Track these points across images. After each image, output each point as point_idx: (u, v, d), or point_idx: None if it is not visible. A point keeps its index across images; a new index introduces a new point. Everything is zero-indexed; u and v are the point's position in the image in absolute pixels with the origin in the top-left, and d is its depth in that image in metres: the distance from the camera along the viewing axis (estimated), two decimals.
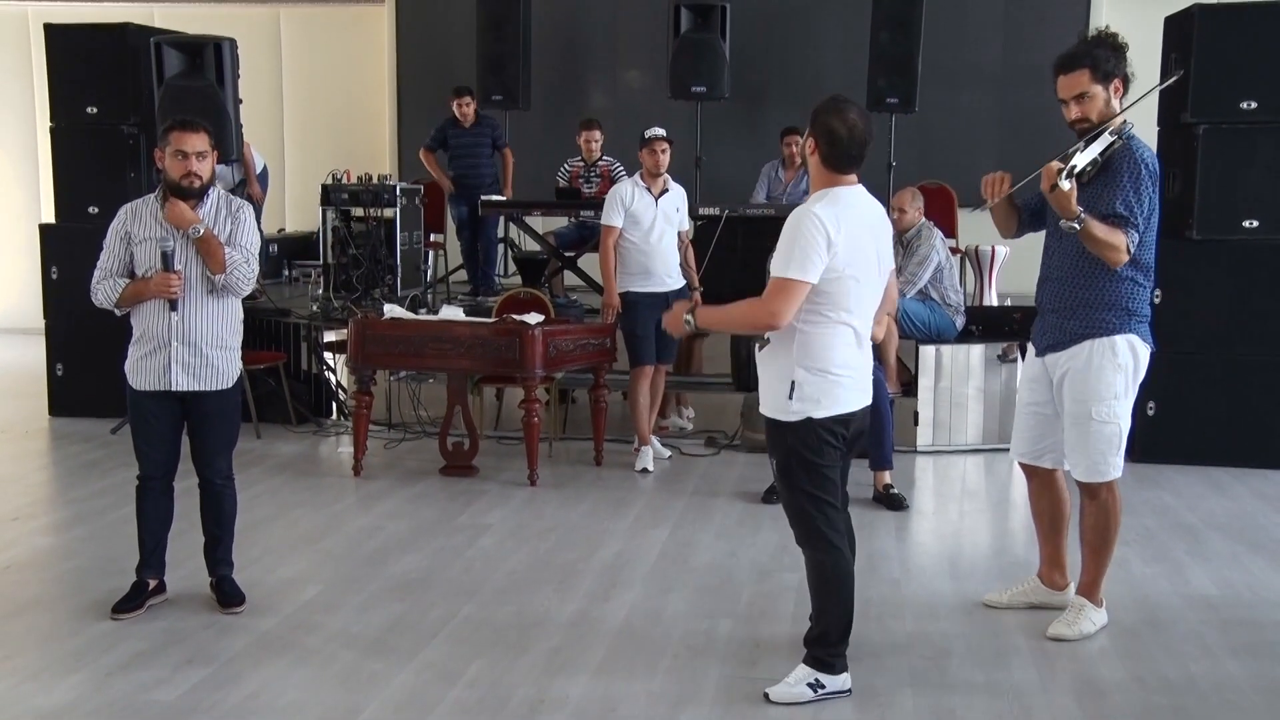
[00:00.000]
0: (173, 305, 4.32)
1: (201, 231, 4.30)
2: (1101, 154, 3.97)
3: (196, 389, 4.39)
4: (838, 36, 10.34)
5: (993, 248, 8.61)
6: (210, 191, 4.41)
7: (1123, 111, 4.05)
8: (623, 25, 10.85)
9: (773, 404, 3.72)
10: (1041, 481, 4.47)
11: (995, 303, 8.58)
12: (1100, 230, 3.91)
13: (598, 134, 8.93)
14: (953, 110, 10.10)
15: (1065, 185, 3.82)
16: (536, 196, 9.37)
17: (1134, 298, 4.09)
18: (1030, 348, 4.42)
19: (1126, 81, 4.05)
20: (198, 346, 4.37)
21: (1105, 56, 4.00)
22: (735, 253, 7.88)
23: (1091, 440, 4.13)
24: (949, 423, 7.23)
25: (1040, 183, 3.93)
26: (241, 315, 4.56)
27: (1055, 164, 3.86)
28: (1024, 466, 4.51)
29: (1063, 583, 4.56)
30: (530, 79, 10.02)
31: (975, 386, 7.22)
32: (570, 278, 9.01)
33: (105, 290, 4.36)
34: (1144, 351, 4.15)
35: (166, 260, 4.29)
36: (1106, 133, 3.97)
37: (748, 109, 10.22)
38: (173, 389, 4.37)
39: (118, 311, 4.42)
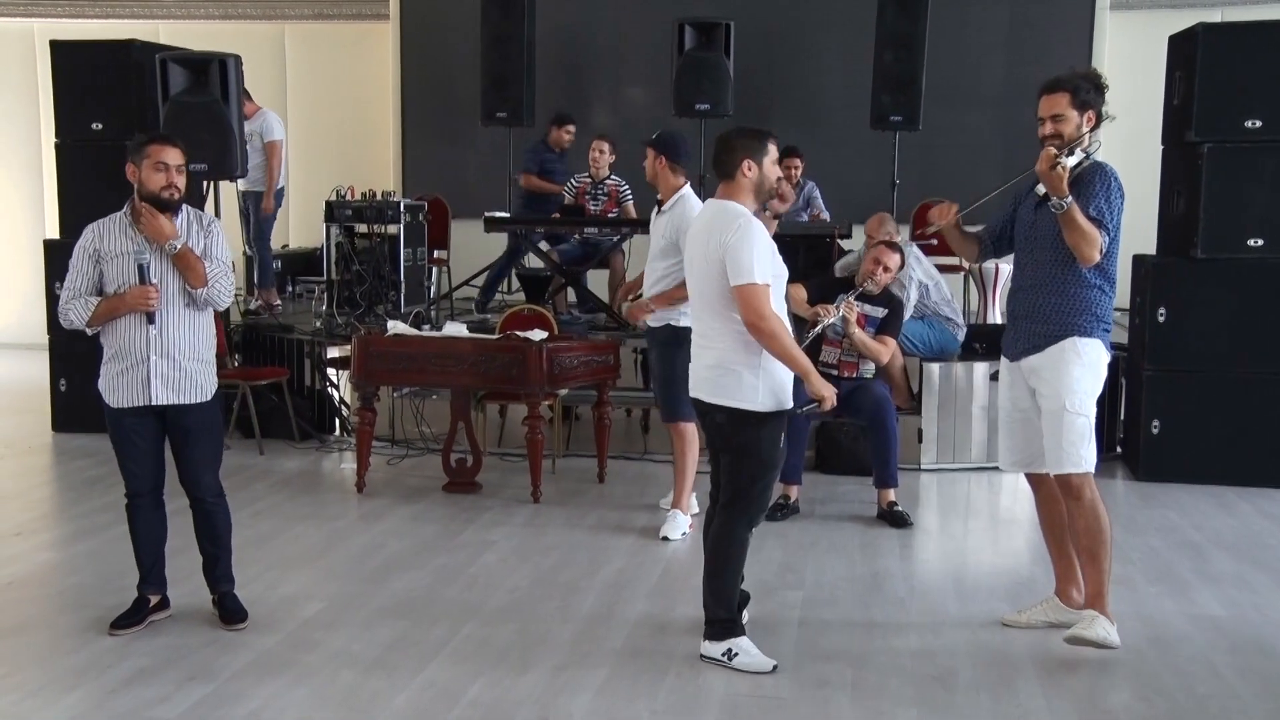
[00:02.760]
0: (150, 318, 4.31)
1: (179, 246, 4.30)
2: (1074, 166, 4.23)
3: (177, 402, 4.38)
4: (841, 55, 10.36)
5: (996, 266, 8.60)
6: (179, 209, 4.41)
7: (1089, 134, 4.32)
8: (627, 43, 10.87)
9: None
10: (1047, 492, 4.52)
11: (999, 321, 8.56)
12: (1082, 218, 4.13)
13: (606, 145, 8.94)
14: (956, 129, 10.10)
15: (1067, 161, 4.10)
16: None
17: (1101, 305, 4.33)
18: (1003, 359, 4.55)
19: (1099, 118, 4.33)
20: (176, 360, 4.36)
21: (1086, 88, 4.31)
22: None
23: (1064, 431, 4.28)
24: (953, 440, 7.21)
25: (1038, 165, 4.15)
26: (214, 329, 4.56)
27: (1051, 148, 4.15)
28: (1028, 478, 4.61)
29: (1079, 599, 4.55)
30: (534, 96, 10.03)
31: (979, 404, 7.20)
32: (574, 294, 9.00)
33: (77, 310, 4.33)
34: (1106, 357, 4.38)
35: (143, 273, 4.29)
36: (1078, 149, 4.25)
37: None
38: (153, 403, 4.36)
39: (89, 331, 4.39)
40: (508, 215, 9.18)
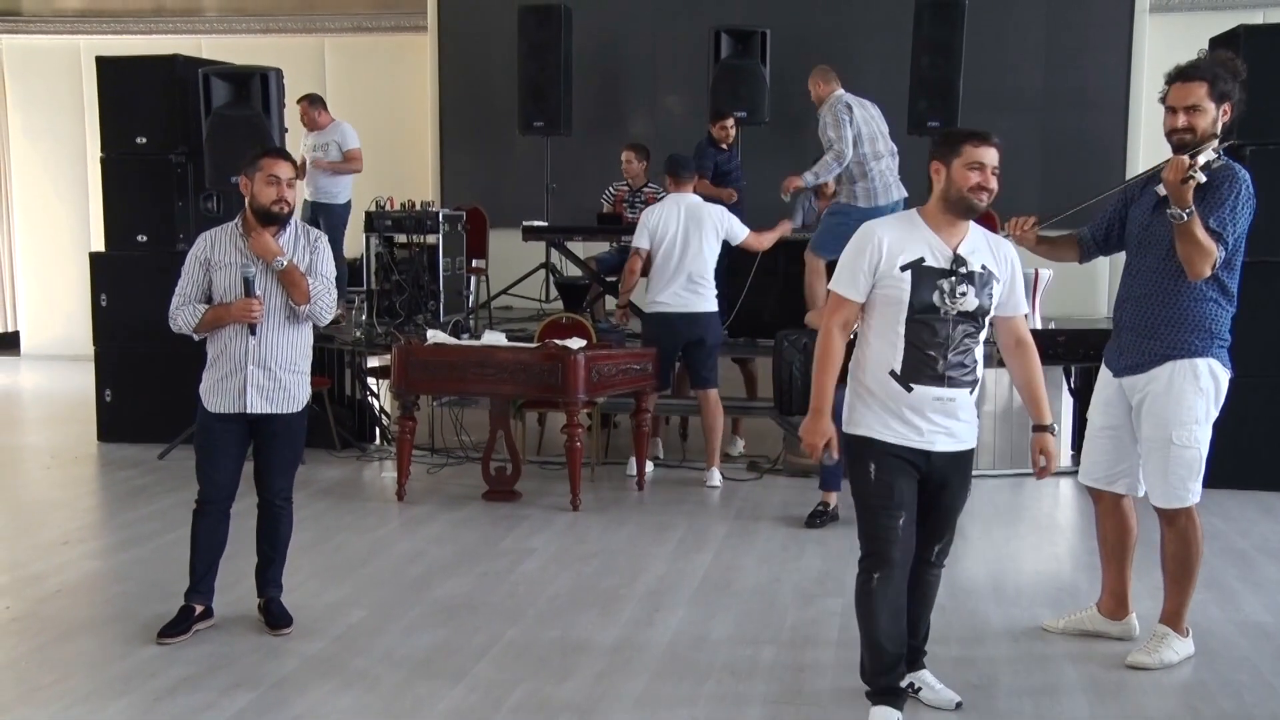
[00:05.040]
0: (252, 330, 4.40)
1: (285, 264, 4.38)
2: (1204, 168, 3.95)
3: (269, 412, 4.46)
4: (879, 61, 10.31)
5: (1035, 271, 8.53)
6: (289, 222, 4.49)
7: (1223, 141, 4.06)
8: (663, 51, 10.90)
9: None
10: (1109, 507, 4.40)
11: (1040, 326, 8.51)
12: (1201, 232, 3.87)
13: (631, 154, 8.93)
14: (995, 132, 10.02)
15: (1201, 178, 3.82)
16: (578, 222, 9.41)
17: (1217, 320, 4.07)
18: (1104, 369, 4.32)
19: (1234, 108, 4.07)
20: (272, 370, 4.44)
21: (1225, 77, 4.02)
22: (776, 276, 7.92)
23: (1170, 465, 4.07)
24: (994, 446, 7.17)
25: (1167, 173, 3.85)
26: (312, 340, 4.63)
27: (1185, 158, 3.84)
28: (1092, 491, 4.44)
29: (1122, 613, 4.49)
30: (571, 105, 10.08)
31: (1020, 410, 7.16)
32: (612, 303, 9.02)
33: (185, 316, 4.43)
34: (1224, 376, 4.12)
35: (249, 286, 4.37)
36: (1210, 149, 3.97)
37: (788, 133, 10.20)
38: (248, 411, 4.44)
39: (195, 336, 4.49)
40: (545, 225, 9.21)
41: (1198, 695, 4.00)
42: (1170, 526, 4.18)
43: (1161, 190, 4.00)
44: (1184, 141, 3.99)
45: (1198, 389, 4.05)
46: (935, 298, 3.53)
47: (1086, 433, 4.44)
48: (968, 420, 3.65)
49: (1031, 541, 6.02)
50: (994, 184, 3.58)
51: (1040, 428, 3.71)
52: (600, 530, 6.05)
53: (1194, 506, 4.15)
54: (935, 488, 3.70)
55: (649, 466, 7.14)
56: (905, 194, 7.46)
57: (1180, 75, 4.06)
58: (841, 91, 7.39)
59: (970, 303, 3.55)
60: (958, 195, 3.57)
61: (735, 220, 7.07)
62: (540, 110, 9.86)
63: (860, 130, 7.26)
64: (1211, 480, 6.63)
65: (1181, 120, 4.00)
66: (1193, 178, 3.79)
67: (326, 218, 9.39)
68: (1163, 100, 4.11)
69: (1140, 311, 4.12)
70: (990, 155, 3.59)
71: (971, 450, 3.72)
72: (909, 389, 3.57)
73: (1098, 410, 4.34)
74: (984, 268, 3.59)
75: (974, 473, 3.78)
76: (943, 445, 3.62)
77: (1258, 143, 6.67)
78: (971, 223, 3.66)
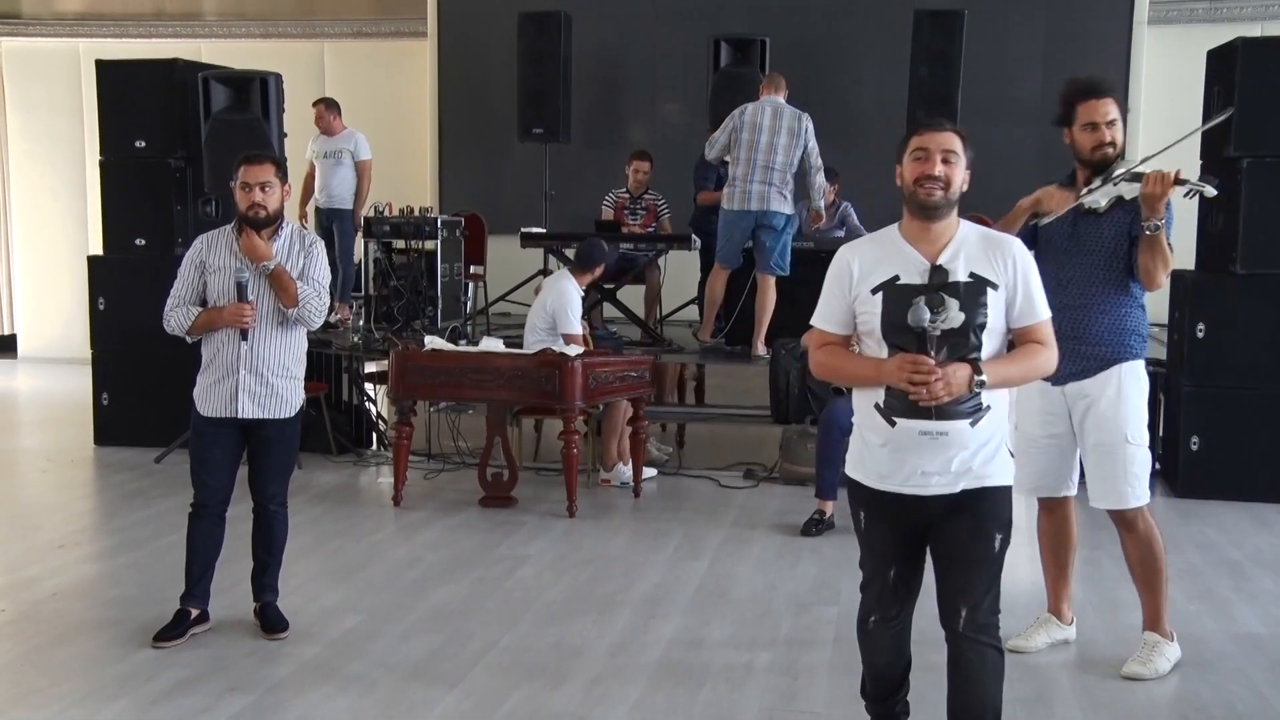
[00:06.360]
0: (243, 334, 4.40)
1: (273, 267, 4.38)
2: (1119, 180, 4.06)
3: (261, 417, 4.46)
4: (877, 70, 10.36)
5: None
6: (285, 226, 4.49)
7: (1168, 148, 4.12)
8: (662, 59, 10.93)
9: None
10: (1061, 515, 4.45)
11: None
12: (1165, 243, 3.99)
13: (646, 165, 8.98)
14: (992, 143, 10.02)
15: (1212, 192, 3.97)
16: (576, 229, 9.42)
17: (1143, 323, 4.23)
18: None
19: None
20: (264, 376, 4.44)
21: (1120, 94, 4.18)
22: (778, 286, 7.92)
23: (1126, 464, 4.12)
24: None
25: (1151, 186, 3.90)
26: (305, 345, 4.64)
27: (1169, 171, 3.90)
28: (1045, 501, 4.48)
29: (1069, 614, 4.58)
30: (570, 112, 10.10)
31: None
32: (609, 309, 9.03)
33: (178, 318, 4.44)
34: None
35: (241, 291, 4.38)
36: (1138, 166, 4.04)
37: None
38: (240, 417, 4.44)
39: (189, 339, 4.50)
40: (544, 231, 9.23)
41: (1191, 705, 4.01)
42: (1130, 531, 4.23)
43: (1096, 202, 4.07)
44: (1107, 156, 4.11)
45: (1140, 389, 4.18)
46: (911, 317, 3.06)
47: (1020, 444, 4.30)
48: (971, 456, 3.13)
49: (1027, 553, 6.01)
50: (941, 170, 3.13)
51: (975, 364, 3.07)
52: (596, 537, 6.06)
53: (1147, 509, 4.21)
54: (941, 533, 3.18)
55: (651, 471, 7.15)
56: (769, 209, 7.52)
57: (1092, 92, 4.15)
58: (765, 98, 7.60)
59: (955, 319, 3.05)
60: (908, 193, 3.17)
61: (567, 316, 6.98)
62: (539, 117, 9.88)
63: (739, 136, 7.48)
64: (1205, 491, 6.77)
65: (1106, 135, 4.12)
66: (1200, 190, 3.91)
67: (339, 223, 9.41)
68: (1065, 121, 4.21)
69: (1079, 320, 4.14)
70: (937, 140, 3.15)
71: (989, 489, 3.15)
72: (893, 424, 3.11)
73: (1034, 421, 4.32)
74: (973, 275, 3.11)
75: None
76: (938, 488, 3.12)
77: (1254, 155, 6.70)
78: (963, 221, 3.23)
